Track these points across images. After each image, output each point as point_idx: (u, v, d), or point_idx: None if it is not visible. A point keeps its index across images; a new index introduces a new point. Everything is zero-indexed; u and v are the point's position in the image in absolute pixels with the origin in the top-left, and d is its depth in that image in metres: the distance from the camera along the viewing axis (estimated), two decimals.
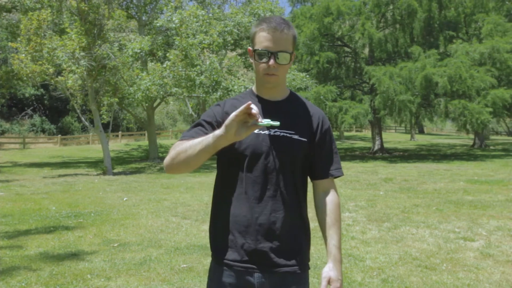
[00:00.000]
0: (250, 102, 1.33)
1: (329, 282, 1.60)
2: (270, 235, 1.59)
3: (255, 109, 1.34)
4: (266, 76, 1.58)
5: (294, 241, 1.63)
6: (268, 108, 1.65)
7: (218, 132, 1.40)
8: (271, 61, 1.54)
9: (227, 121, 1.36)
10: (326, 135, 1.69)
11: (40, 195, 9.73)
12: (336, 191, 1.72)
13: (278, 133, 1.61)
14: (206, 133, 1.55)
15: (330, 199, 1.68)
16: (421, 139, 35.23)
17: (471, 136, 30.33)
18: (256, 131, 1.59)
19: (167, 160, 1.55)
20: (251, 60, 1.63)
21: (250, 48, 1.63)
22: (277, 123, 1.34)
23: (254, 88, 1.71)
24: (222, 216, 1.64)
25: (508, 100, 17.04)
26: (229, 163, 1.64)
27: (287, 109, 1.66)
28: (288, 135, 1.61)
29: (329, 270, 1.60)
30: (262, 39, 1.55)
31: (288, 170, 1.61)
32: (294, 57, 1.63)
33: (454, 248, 5.01)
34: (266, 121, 1.34)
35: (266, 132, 1.61)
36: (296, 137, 1.62)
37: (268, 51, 1.54)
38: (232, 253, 1.61)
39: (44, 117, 33.42)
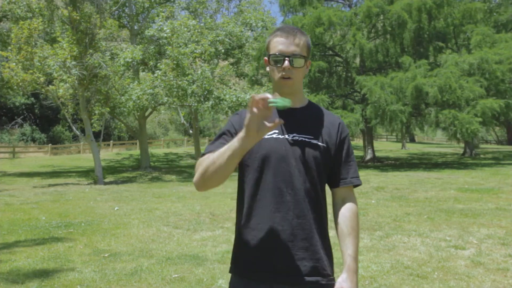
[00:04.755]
0: (253, 94, 1.33)
1: None
2: (292, 242, 1.55)
3: (261, 95, 1.32)
4: (282, 79, 1.59)
5: (318, 249, 1.59)
6: (286, 114, 1.62)
7: (241, 134, 1.38)
8: (286, 63, 1.56)
9: (245, 121, 1.35)
10: (345, 143, 1.68)
11: (30, 205, 9.61)
12: (355, 200, 1.69)
13: (297, 137, 1.60)
14: (222, 146, 1.52)
15: (348, 207, 1.65)
16: (412, 148, 35.46)
17: (461, 144, 30.61)
18: (274, 135, 1.59)
19: (196, 178, 1.51)
20: (267, 69, 1.64)
21: (266, 58, 1.63)
22: (288, 101, 1.33)
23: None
24: (243, 225, 1.61)
25: (497, 109, 17.24)
26: (248, 169, 1.61)
27: (306, 115, 1.66)
28: (306, 139, 1.60)
29: (342, 281, 1.56)
30: (276, 44, 1.58)
31: (308, 175, 1.58)
32: (309, 65, 1.64)
33: (445, 256, 5.03)
34: (278, 100, 1.32)
35: (285, 136, 1.59)
36: (314, 141, 1.60)
37: (282, 54, 1.56)
38: (255, 263, 1.56)
39: (34, 126, 33.14)
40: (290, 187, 1.56)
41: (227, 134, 1.61)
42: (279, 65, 1.57)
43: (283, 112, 1.61)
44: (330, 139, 1.64)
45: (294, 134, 1.60)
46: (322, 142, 1.62)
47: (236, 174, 1.69)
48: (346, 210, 1.65)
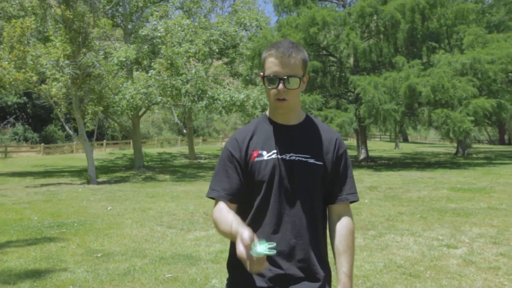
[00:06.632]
0: (244, 256, 1.31)
1: None
2: (290, 262, 1.56)
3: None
4: (277, 101, 1.58)
5: (317, 269, 1.60)
6: (282, 132, 1.63)
7: (236, 236, 1.39)
8: (280, 86, 1.54)
9: (238, 253, 1.34)
10: (342, 159, 1.66)
11: (22, 205, 9.55)
12: (351, 216, 1.67)
13: (294, 157, 1.59)
14: (229, 178, 1.61)
15: (343, 224, 1.64)
16: (406, 148, 35.64)
17: (454, 144, 30.82)
18: (273, 155, 1.59)
19: (213, 219, 1.62)
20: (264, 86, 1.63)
21: (261, 73, 1.62)
22: (273, 252, 1.33)
23: (267, 112, 1.69)
24: None
25: (489, 109, 17.38)
26: (247, 191, 1.62)
27: (302, 133, 1.64)
28: (303, 159, 1.59)
29: None
30: (271, 64, 1.56)
31: (305, 194, 1.59)
32: (307, 79, 1.62)
33: (437, 255, 5.06)
34: (262, 252, 1.32)
35: (283, 156, 1.59)
36: (311, 161, 1.60)
37: (276, 76, 1.54)
38: (253, 281, 1.57)
39: (27, 126, 32.92)
40: (288, 208, 1.57)
41: (229, 166, 1.63)
42: (273, 86, 1.55)
43: (279, 131, 1.63)
44: (327, 157, 1.63)
45: (291, 154, 1.59)
46: (319, 161, 1.61)
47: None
48: (342, 227, 1.64)
